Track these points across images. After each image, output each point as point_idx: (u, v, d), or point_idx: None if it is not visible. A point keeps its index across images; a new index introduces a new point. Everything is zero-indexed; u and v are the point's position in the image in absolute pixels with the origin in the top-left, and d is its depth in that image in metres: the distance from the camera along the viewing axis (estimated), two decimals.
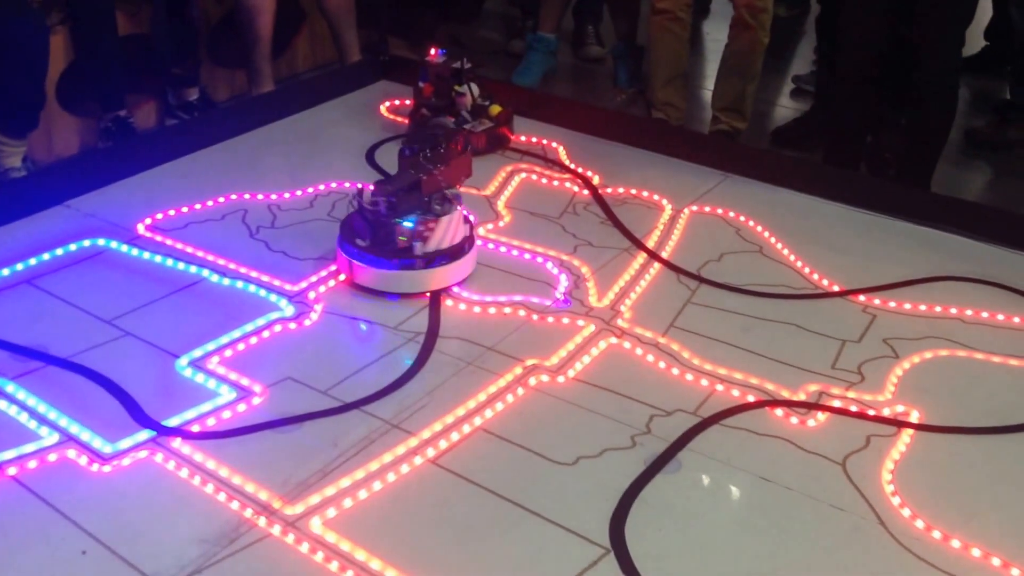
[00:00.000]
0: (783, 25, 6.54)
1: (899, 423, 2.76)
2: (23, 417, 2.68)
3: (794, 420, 2.77)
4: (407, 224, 3.21)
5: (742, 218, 3.78)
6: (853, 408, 2.81)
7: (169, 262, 3.38)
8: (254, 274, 3.33)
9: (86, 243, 3.48)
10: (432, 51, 4.17)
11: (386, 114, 4.63)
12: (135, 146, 4.12)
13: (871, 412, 2.80)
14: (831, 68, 4.75)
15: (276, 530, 2.35)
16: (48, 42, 4.30)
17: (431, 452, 2.61)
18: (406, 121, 4.45)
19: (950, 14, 4.22)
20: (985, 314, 3.24)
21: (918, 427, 2.75)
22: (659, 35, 4.94)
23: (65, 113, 4.66)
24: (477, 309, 3.22)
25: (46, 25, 4.32)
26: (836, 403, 2.83)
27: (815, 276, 3.44)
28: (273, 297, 3.22)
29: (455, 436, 2.67)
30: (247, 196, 3.82)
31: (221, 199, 3.79)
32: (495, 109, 4.16)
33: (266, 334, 3.06)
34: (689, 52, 5.12)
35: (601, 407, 2.80)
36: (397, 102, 4.71)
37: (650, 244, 3.60)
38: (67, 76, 4.58)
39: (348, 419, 2.72)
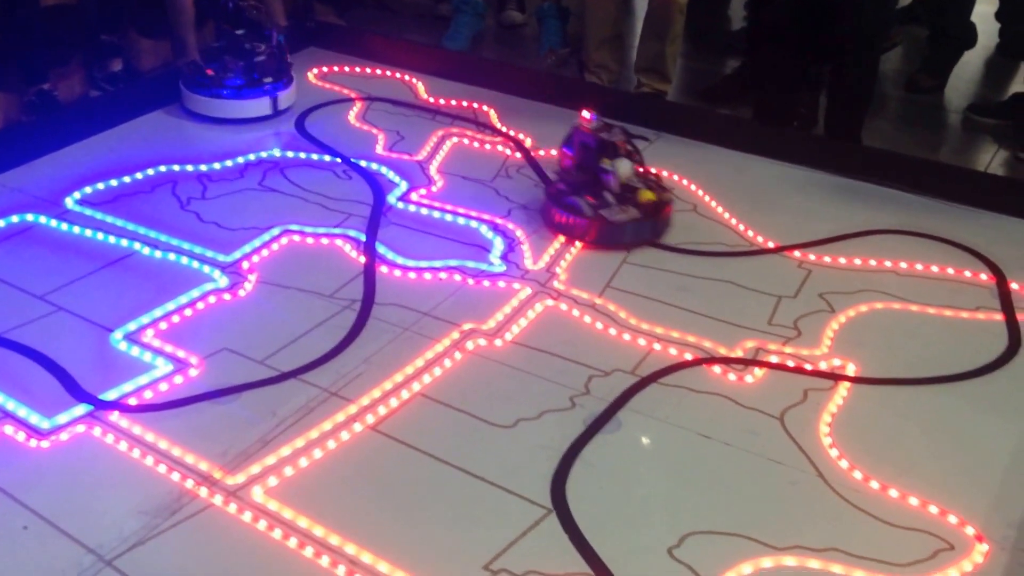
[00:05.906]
0: None
1: (835, 376, 2.79)
2: None
3: (732, 376, 2.79)
4: None
5: (676, 176, 3.79)
6: (790, 363, 2.84)
7: (100, 236, 3.34)
8: (186, 246, 3.30)
9: (14, 219, 3.43)
10: (585, 114, 3.51)
11: (314, 81, 4.60)
12: (60, 119, 4.05)
13: (808, 366, 2.83)
14: (756, 24, 4.75)
15: (218, 500, 2.34)
16: None
17: (370, 419, 2.60)
18: (354, 96, 4.45)
19: None
20: (919, 266, 3.28)
21: (854, 380, 2.78)
22: None
23: None
24: (412, 275, 3.21)
25: None
26: (773, 358, 2.86)
27: (750, 233, 3.46)
28: (206, 268, 3.19)
29: (394, 402, 2.66)
30: (176, 167, 3.78)
31: (150, 171, 3.74)
32: (645, 195, 3.43)
33: (201, 305, 3.03)
34: (624, 13, 5.10)
35: (539, 369, 2.81)
36: (325, 68, 4.68)
37: None
38: None
39: (286, 388, 2.71)
